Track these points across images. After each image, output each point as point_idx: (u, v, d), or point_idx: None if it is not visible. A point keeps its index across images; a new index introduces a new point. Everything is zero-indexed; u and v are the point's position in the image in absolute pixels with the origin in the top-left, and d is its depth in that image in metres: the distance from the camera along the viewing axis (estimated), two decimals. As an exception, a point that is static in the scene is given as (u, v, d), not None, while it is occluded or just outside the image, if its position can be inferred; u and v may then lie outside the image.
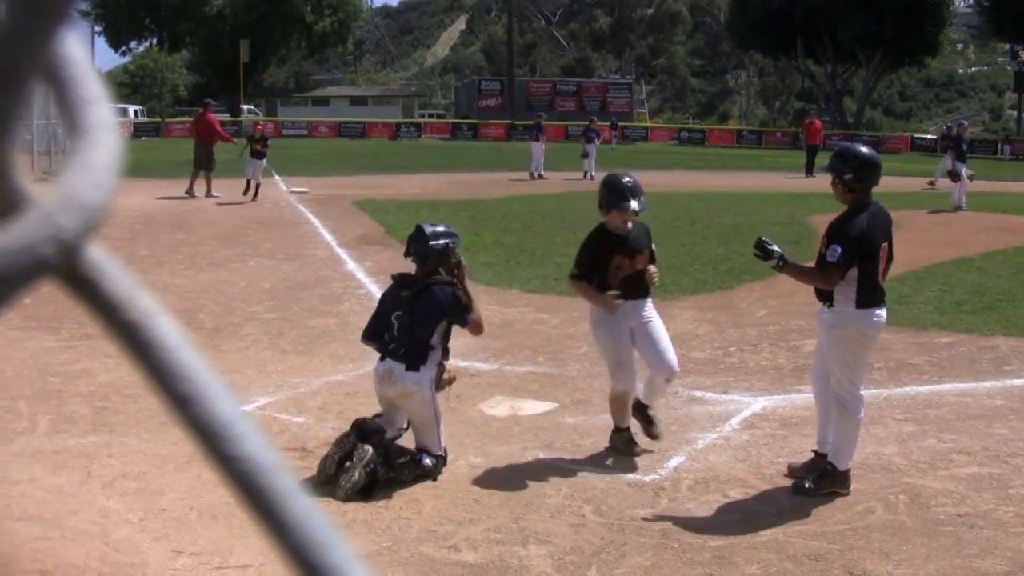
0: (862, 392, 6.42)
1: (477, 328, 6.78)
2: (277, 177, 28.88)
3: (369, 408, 7.65)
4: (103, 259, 0.54)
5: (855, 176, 6.32)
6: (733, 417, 7.96)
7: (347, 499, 6.07)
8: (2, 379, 8.65)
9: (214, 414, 0.53)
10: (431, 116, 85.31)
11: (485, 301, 10.15)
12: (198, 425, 0.53)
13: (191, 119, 28.09)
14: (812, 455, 6.67)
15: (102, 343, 8.37)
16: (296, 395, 8.46)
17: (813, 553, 5.48)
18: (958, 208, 23.04)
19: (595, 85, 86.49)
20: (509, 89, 77.02)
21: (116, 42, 76.55)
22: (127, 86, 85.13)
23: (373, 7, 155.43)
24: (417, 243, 6.73)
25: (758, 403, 8.38)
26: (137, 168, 28.55)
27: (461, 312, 6.61)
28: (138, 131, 57.57)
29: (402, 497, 6.22)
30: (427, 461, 6.48)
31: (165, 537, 5.57)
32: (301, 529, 0.53)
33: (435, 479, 6.49)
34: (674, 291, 12.73)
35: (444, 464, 6.61)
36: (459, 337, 7.05)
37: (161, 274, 13.87)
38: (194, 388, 0.54)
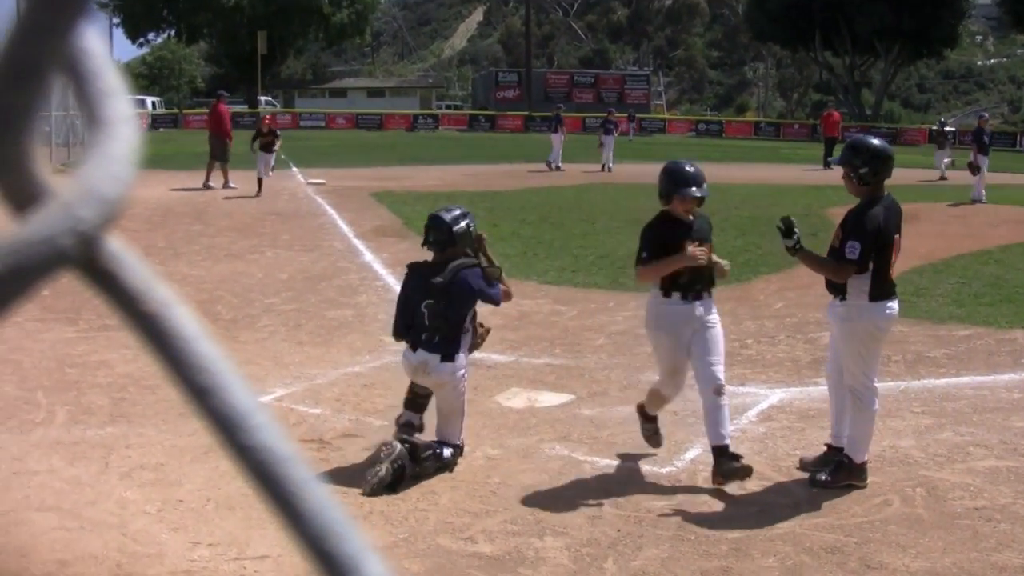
0: (876, 384, 6.38)
1: (507, 298, 6.94)
2: (295, 168, 28.94)
3: (386, 399, 7.67)
4: (121, 250, 0.55)
5: (870, 170, 6.25)
6: (750, 409, 7.94)
7: (373, 494, 6.07)
8: (21, 370, 8.70)
9: (231, 405, 0.54)
10: (448, 108, 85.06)
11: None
12: (216, 416, 0.54)
13: (208, 111, 28.19)
14: (825, 448, 6.65)
15: (120, 334, 8.41)
16: (313, 386, 8.49)
17: (830, 546, 5.47)
18: (976, 201, 22.92)
19: (613, 77, 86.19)
20: (527, 81, 76.92)
21: (134, 34, 76.74)
22: (145, 77, 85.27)
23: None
24: (437, 231, 6.75)
25: (775, 395, 8.36)
26: (155, 160, 28.61)
27: (492, 293, 6.70)
28: (156, 123, 57.81)
29: (419, 489, 6.23)
30: (447, 453, 6.51)
31: (183, 528, 5.60)
32: (318, 520, 0.53)
33: (451, 470, 6.51)
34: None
35: (460, 454, 6.65)
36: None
37: (179, 265, 13.93)
38: (212, 379, 0.54)
